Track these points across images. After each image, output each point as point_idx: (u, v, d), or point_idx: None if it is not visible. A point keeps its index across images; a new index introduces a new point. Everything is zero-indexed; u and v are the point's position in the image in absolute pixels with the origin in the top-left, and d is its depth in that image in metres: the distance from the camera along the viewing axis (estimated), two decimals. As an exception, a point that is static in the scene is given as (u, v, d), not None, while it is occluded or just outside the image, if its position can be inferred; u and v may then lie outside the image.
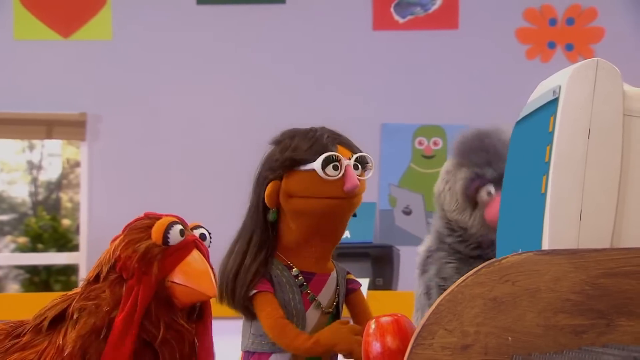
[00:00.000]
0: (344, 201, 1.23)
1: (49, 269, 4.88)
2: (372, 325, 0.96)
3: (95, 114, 3.52)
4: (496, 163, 1.29)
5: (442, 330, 0.82)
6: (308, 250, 1.26)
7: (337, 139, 1.25)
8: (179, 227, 1.07)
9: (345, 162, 1.20)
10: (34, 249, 5.07)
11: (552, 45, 3.54)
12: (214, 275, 1.15)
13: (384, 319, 0.96)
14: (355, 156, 1.23)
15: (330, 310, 1.26)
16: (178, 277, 1.06)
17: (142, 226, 1.07)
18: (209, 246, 1.17)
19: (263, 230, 1.24)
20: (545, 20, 3.55)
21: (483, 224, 1.33)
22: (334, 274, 1.28)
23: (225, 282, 1.22)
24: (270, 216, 1.23)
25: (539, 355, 0.80)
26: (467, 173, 1.33)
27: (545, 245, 0.88)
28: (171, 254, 1.05)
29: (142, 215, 1.11)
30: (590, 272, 0.82)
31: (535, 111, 0.98)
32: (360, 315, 1.30)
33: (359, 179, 1.22)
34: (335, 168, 1.20)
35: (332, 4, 3.57)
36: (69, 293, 1.09)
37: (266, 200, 1.22)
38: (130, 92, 3.52)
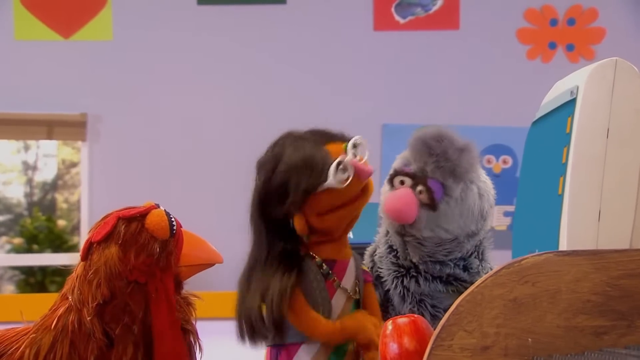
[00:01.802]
0: (362, 192, 1.24)
1: (44, 270, 4.87)
2: (389, 326, 0.95)
3: (96, 114, 3.51)
4: (423, 158, 1.27)
5: (462, 331, 0.81)
6: (330, 240, 1.26)
7: (324, 140, 1.25)
8: (170, 214, 1.06)
9: (346, 159, 1.21)
10: (29, 250, 5.06)
11: (553, 46, 3.54)
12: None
13: (401, 320, 0.95)
14: (348, 147, 1.23)
15: (356, 295, 1.27)
16: (189, 260, 1.05)
17: (135, 231, 1.03)
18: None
19: (285, 241, 1.23)
20: (546, 20, 3.56)
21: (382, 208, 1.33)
22: (352, 260, 1.29)
23: (243, 300, 1.22)
24: (305, 239, 1.24)
25: (559, 357, 0.80)
26: (400, 159, 1.33)
27: (563, 246, 0.88)
28: (175, 242, 1.04)
29: (110, 219, 1.04)
30: (611, 273, 0.82)
31: (552, 112, 0.98)
32: (369, 309, 1.31)
33: (364, 163, 1.22)
34: (344, 169, 1.20)
35: (332, 5, 3.57)
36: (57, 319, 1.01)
37: (300, 233, 1.22)
38: (131, 93, 3.51)
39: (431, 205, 1.25)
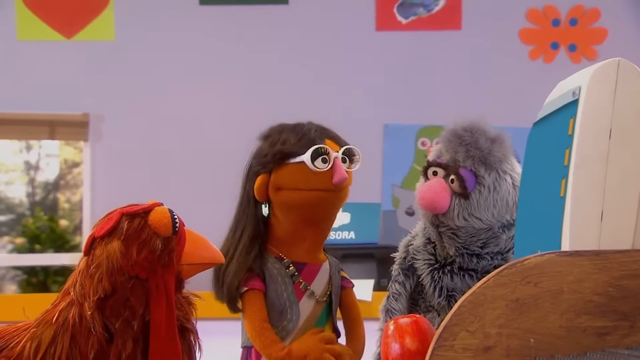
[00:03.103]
0: (332, 193, 1.25)
1: (46, 269, 4.87)
2: (391, 326, 0.96)
3: (98, 114, 3.51)
4: (455, 148, 1.29)
5: (464, 331, 0.81)
6: (298, 241, 1.27)
7: (325, 133, 1.27)
8: (173, 212, 1.06)
9: (333, 154, 1.23)
10: (31, 250, 5.06)
11: (555, 46, 3.54)
12: None
13: (403, 320, 0.96)
14: (342, 149, 1.24)
15: (325, 299, 1.27)
16: (190, 258, 1.05)
17: (138, 227, 1.03)
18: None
19: (254, 224, 1.26)
20: (548, 20, 3.55)
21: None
22: (326, 264, 1.30)
23: (218, 277, 1.24)
24: (263, 210, 1.25)
25: (561, 357, 0.80)
26: (434, 151, 1.35)
27: (566, 247, 0.88)
28: (178, 239, 1.04)
29: (114, 215, 1.04)
30: (614, 273, 0.82)
31: (554, 113, 0.97)
32: (347, 314, 1.32)
33: (346, 172, 1.24)
34: (324, 161, 1.22)
35: (335, 5, 3.57)
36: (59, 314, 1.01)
37: (255, 194, 1.24)
38: (133, 93, 3.51)
39: (463, 194, 1.26)
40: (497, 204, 1.27)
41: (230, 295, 1.24)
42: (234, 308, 1.26)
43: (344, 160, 1.26)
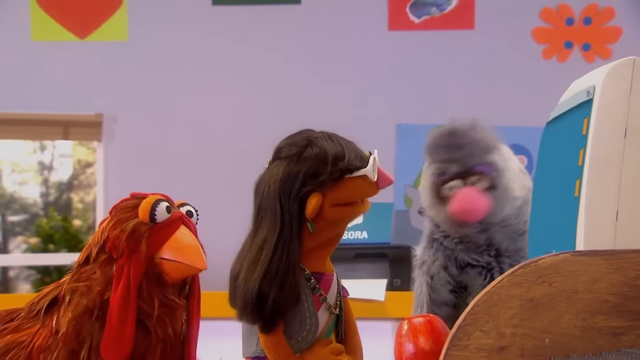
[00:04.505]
0: (365, 202, 1.24)
1: (60, 269, 4.89)
2: (405, 326, 0.95)
3: (111, 115, 3.52)
4: (461, 158, 1.28)
5: (478, 331, 0.81)
6: (322, 251, 1.25)
7: (352, 142, 1.26)
8: (165, 204, 1.08)
9: (376, 162, 1.21)
10: (45, 250, 5.09)
11: (569, 45, 3.53)
12: (203, 249, 1.14)
13: (417, 320, 0.95)
14: (374, 155, 1.23)
15: (336, 310, 1.26)
16: (167, 253, 1.06)
17: (129, 206, 1.08)
18: (197, 223, 1.17)
19: (298, 245, 1.22)
20: (562, 19, 3.54)
21: (449, 219, 1.31)
22: (335, 273, 1.29)
23: (260, 299, 1.20)
24: (310, 228, 1.22)
25: (576, 357, 0.80)
26: (433, 169, 1.32)
27: (580, 246, 0.88)
28: (159, 230, 1.05)
29: (128, 196, 1.11)
30: (629, 273, 0.81)
31: (568, 112, 0.97)
32: (346, 323, 1.30)
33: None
34: (374, 167, 1.21)
35: (347, 4, 3.57)
36: (61, 280, 1.10)
37: (309, 214, 1.19)
38: (146, 93, 3.52)
39: (492, 185, 1.25)
40: (517, 177, 1.28)
41: (272, 323, 1.21)
42: (267, 330, 1.23)
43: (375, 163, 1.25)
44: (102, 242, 1.05)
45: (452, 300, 1.36)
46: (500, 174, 1.26)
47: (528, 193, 1.30)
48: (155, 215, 1.04)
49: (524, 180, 1.30)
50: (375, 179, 1.20)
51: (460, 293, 1.36)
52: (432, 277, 1.38)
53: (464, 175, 1.27)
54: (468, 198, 1.25)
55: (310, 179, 1.18)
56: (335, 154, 1.19)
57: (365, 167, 1.18)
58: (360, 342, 1.30)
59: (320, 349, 1.21)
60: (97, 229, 1.09)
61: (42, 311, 1.05)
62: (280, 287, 1.17)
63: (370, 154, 1.23)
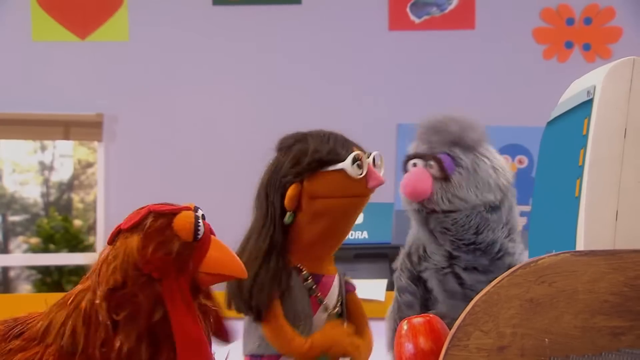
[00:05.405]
0: (364, 199, 1.25)
1: (61, 269, 4.90)
2: (405, 326, 0.95)
3: (112, 115, 3.53)
4: (433, 142, 1.32)
5: (478, 331, 0.81)
6: (319, 251, 1.25)
7: (349, 141, 1.26)
8: (200, 219, 1.06)
9: (364, 158, 1.22)
10: (46, 250, 5.09)
11: (569, 45, 3.53)
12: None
13: (416, 320, 0.95)
14: (372, 155, 1.24)
15: (336, 310, 1.26)
16: (209, 267, 1.05)
17: (160, 227, 1.05)
18: None
19: (282, 236, 1.23)
20: (563, 20, 3.54)
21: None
22: (337, 276, 1.28)
23: (242, 289, 1.21)
24: (287, 219, 1.22)
25: (576, 358, 0.80)
26: (411, 145, 1.38)
27: (581, 246, 0.88)
28: (200, 246, 1.04)
29: (142, 211, 1.04)
30: (629, 273, 0.81)
31: (568, 112, 0.97)
32: (355, 318, 1.30)
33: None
34: (359, 167, 1.21)
35: (347, 5, 3.57)
36: (69, 300, 1.02)
37: (286, 204, 1.21)
38: (147, 93, 3.53)
39: (443, 177, 1.29)
40: (478, 184, 1.29)
41: (259, 309, 1.21)
42: (260, 318, 1.24)
43: (372, 163, 1.25)
44: (140, 265, 1.00)
45: (412, 289, 1.37)
46: (458, 173, 1.29)
47: (489, 207, 1.31)
48: (199, 233, 1.03)
49: (488, 193, 1.30)
50: (360, 177, 1.20)
51: (416, 283, 1.38)
52: (401, 262, 1.42)
53: (425, 157, 1.30)
54: (414, 176, 1.30)
55: (289, 170, 1.20)
56: (315, 147, 1.20)
57: (341, 163, 1.19)
58: (371, 333, 1.30)
59: (332, 329, 1.21)
60: (118, 247, 1.02)
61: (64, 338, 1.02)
62: (259, 270, 1.18)
63: (370, 154, 1.24)
